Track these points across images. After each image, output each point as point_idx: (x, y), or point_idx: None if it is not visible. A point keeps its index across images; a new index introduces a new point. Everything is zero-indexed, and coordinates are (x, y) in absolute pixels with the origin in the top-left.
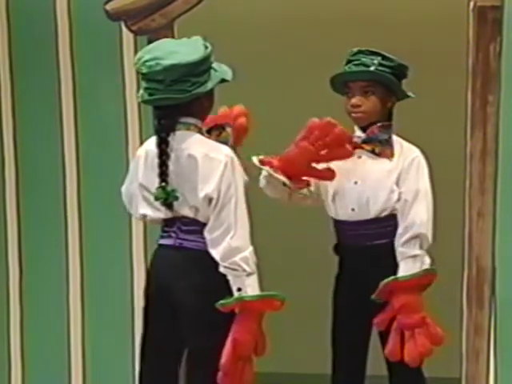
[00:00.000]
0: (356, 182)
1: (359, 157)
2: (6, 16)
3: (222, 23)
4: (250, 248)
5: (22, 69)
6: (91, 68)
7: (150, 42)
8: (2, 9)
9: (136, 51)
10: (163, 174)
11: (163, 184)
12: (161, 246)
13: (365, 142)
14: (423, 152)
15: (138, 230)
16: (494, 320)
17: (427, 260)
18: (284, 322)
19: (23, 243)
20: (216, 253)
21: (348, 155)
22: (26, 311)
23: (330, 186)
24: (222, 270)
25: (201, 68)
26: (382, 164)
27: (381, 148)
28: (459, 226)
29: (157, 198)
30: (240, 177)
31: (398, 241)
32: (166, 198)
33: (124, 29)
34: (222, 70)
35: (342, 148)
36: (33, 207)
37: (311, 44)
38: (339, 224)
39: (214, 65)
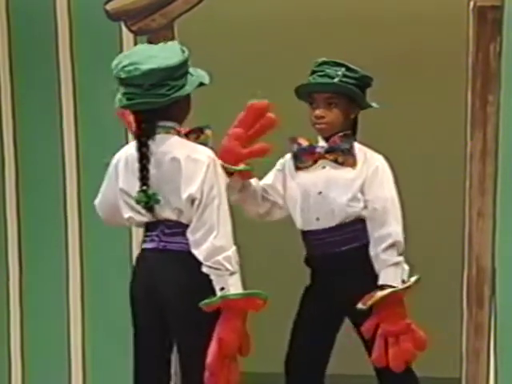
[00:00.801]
0: (320, 192)
1: (323, 167)
2: (5, 16)
3: (221, 23)
4: (233, 247)
5: (21, 69)
6: (91, 68)
7: (150, 42)
8: (2, 9)
9: None
10: (144, 178)
11: (144, 187)
12: (144, 250)
13: (327, 151)
14: (423, 152)
15: (137, 229)
16: (494, 320)
17: (406, 266)
18: (283, 322)
19: (23, 243)
20: (199, 253)
21: (273, 123)
22: (26, 311)
23: (296, 198)
24: (204, 270)
25: (179, 72)
26: (346, 173)
27: (343, 157)
28: (459, 225)
29: (138, 202)
30: (222, 178)
31: (376, 249)
32: (148, 201)
33: (124, 29)
34: (198, 74)
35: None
36: (33, 207)
37: (311, 44)
38: (306, 234)
39: (191, 69)
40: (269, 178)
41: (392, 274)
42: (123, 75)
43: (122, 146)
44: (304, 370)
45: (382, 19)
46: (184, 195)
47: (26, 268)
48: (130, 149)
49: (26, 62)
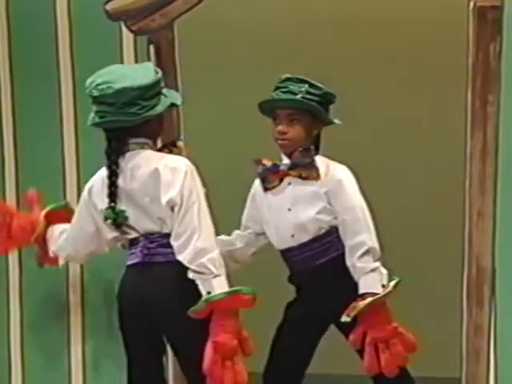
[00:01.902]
0: (290, 209)
1: (289, 183)
2: (5, 16)
3: (222, 23)
4: (217, 250)
5: (22, 69)
6: (91, 68)
7: (150, 42)
8: (2, 9)
9: (136, 51)
10: (112, 195)
11: (112, 204)
12: (129, 266)
13: (290, 168)
14: (423, 152)
15: None
16: (494, 320)
17: (384, 271)
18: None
19: None
20: (183, 257)
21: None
22: (26, 311)
23: (269, 219)
24: (190, 275)
25: (151, 92)
26: (311, 186)
27: (306, 172)
28: (459, 225)
29: (106, 218)
30: (200, 184)
31: (352, 258)
32: (115, 218)
33: (124, 29)
34: (171, 95)
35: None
36: None
37: (311, 44)
38: (285, 253)
39: (164, 90)
40: (245, 213)
41: (371, 280)
42: (96, 93)
43: None
44: (284, 378)
45: (382, 19)
46: (164, 200)
47: (25, 268)
48: (104, 170)
49: (26, 62)
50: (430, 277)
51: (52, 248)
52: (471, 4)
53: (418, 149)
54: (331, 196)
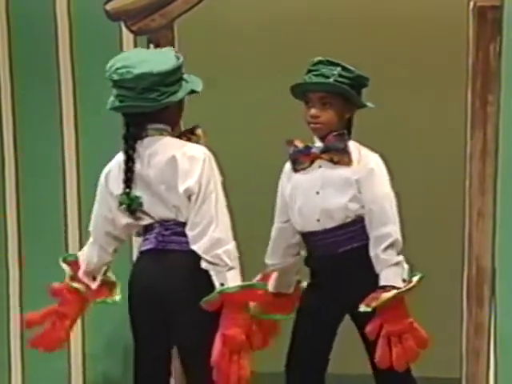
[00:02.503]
0: (318, 192)
1: (319, 167)
2: (5, 16)
3: (222, 23)
4: (233, 242)
5: (22, 69)
6: (91, 68)
7: (150, 42)
8: (2, 9)
9: None
10: (128, 181)
11: (127, 190)
12: (142, 252)
13: (323, 151)
14: (423, 152)
15: None
16: (494, 320)
17: (405, 265)
18: (283, 321)
19: (23, 243)
20: (198, 247)
21: None
22: (26, 311)
23: (295, 202)
24: (204, 265)
25: (171, 78)
26: (342, 172)
27: (338, 156)
28: (459, 226)
29: (120, 204)
30: (218, 174)
31: (376, 249)
32: (130, 203)
33: (124, 29)
34: (192, 81)
35: None
36: (33, 207)
37: (311, 44)
38: (307, 236)
39: (185, 76)
40: (278, 198)
41: (393, 274)
42: (116, 77)
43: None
44: (306, 366)
45: (382, 19)
46: (181, 189)
47: (26, 268)
48: (121, 155)
49: (26, 62)
50: (430, 277)
51: (81, 271)
52: (471, 4)
53: (418, 149)
54: (361, 184)
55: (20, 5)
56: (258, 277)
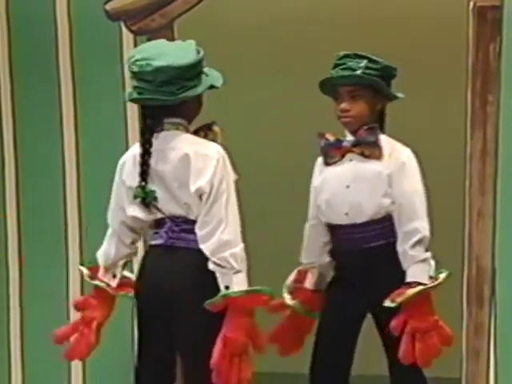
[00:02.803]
0: (348, 186)
1: (350, 160)
2: (5, 16)
3: (222, 23)
4: (241, 245)
5: (21, 69)
6: (91, 68)
7: (149, 41)
8: (2, 9)
9: None
10: (144, 173)
11: (143, 183)
12: (152, 246)
13: (354, 145)
14: (423, 152)
15: None
16: (494, 320)
17: (432, 262)
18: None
19: (23, 243)
20: (206, 248)
21: None
22: (26, 311)
23: (324, 194)
24: (210, 267)
25: (191, 72)
26: (373, 166)
27: (369, 150)
28: (459, 226)
29: (135, 197)
30: (231, 174)
31: (404, 245)
32: (145, 197)
33: (124, 29)
34: (213, 75)
35: None
36: (33, 207)
37: (311, 44)
38: (334, 229)
39: (206, 69)
40: (312, 193)
41: (420, 270)
42: (135, 69)
43: (122, 145)
44: (332, 365)
45: (382, 19)
46: (193, 188)
47: (25, 268)
48: (137, 147)
49: (26, 62)
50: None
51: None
52: (471, 4)
53: (417, 149)
54: (393, 178)
55: (20, 5)
56: (294, 274)
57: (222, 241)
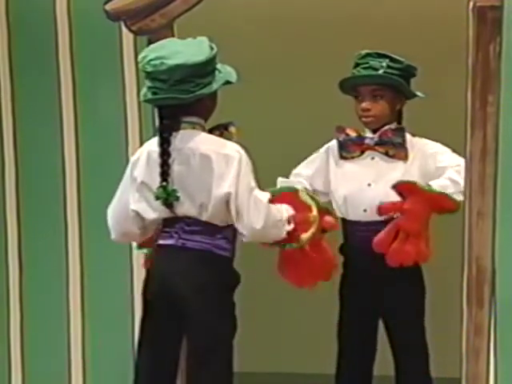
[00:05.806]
0: (369, 184)
1: (372, 158)
2: (5, 16)
3: (222, 23)
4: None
5: (21, 69)
6: (91, 68)
7: (149, 42)
8: (2, 9)
9: (136, 51)
10: (164, 174)
11: (164, 183)
12: (161, 246)
13: (377, 144)
14: None
15: None
16: (494, 320)
17: (460, 196)
18: (284, 322)
19: (23, 243)
20: (256, 222)
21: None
22: (26, 311)
23: (342, 188)
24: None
25: (205, 69)
26: (397, 166)
27: (395, 150)
28: (459, 226)
29: (157, 198)
30: (252, 171)
31: (449, 172)
32: (167, 197)
33: (124, 29)
34: (226, 71)
35: None
36: (33, 208)
37: (311, 44)
38: (350, 224)
39: (219, 66)
40: (311, 166)
41: (443, 183)
42: (149, 69)
43: (122, 145)
44: (355, 368)
45: (382, 19)
46: (217, 191)
47: (25, 268)
48: (153, 144)
49: (26, 63)
50: (430, 277)
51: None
52: (471, 4)
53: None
54: (428, 158)
55: (20, 5)
56: None
57: (271, 210)
